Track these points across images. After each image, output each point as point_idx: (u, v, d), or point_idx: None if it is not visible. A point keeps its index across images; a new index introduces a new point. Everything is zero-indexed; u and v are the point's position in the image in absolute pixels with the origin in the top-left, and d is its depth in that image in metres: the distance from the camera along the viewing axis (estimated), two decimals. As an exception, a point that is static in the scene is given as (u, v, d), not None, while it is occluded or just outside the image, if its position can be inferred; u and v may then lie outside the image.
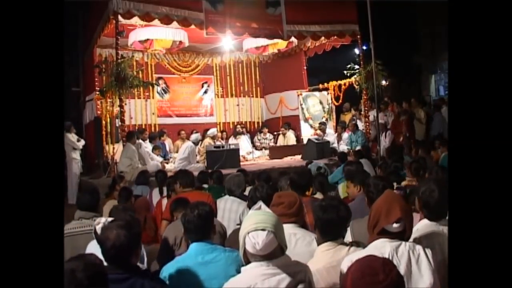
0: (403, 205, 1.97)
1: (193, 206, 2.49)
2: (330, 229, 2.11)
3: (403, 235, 1.97)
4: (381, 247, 1.91)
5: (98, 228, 2.47)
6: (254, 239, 1.74)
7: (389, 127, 9.84)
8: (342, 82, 10.28)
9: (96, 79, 8.43)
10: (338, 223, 2.12)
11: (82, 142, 8.09)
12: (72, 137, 7.93)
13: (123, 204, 3.14)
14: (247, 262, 1.82)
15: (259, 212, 1.94)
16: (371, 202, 2.63)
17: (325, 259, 2.02)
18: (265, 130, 11.20)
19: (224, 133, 10.84)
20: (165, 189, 5.49)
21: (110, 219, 2.51)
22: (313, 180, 3.94)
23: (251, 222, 1.80)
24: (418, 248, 1.95)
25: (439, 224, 2.27)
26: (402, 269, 1.86)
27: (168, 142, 10.10)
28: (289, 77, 11.38)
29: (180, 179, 4.25)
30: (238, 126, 11.14)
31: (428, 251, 1.95)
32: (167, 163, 8.58)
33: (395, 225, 1.93)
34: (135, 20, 7.82)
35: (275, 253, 1.78)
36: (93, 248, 2.64)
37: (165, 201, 4.53)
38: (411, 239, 2.07)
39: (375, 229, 1.97)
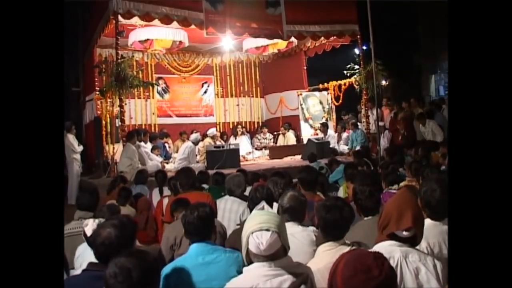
0: (415, 212, 1.91)
1: (193, 207, 2.48)
2: (332, 229, 2.10)
3: (413, 240, 1.94)
4: (390, 251, 1.87)
5: (87, 230, 2.49)
6: (258, 239, 1.73)
7: (387, 126, 9.84)
8: (342, 82, 10.27)
9: (96, 79, 8.43)
10: (341, 224, 2.11)
11: (81, 148, 8.10)
12: (72, 138, 7.92)
13: (107, 205, 3.15)
14: (249, 262, 1.81)
15: (263, 212, 1.93)
16: (361, 209, 2.63)
17: (326, 259, 2.01)
18: (265, 130, 11.19)
19: (225, 135, 10.82)
20: (165, 189, 5.50)
21: (98, 220, 2.54)
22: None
23: (255, 222, 1.79)
24: (429, 259, 1.92)
25: (442, 224, 2.27)
26: (409, 277, 1.83)
27: (168, 142, 10.10)
28: (289, 77, 11.37)
29: (181, 179, 4.23)
30: (239, 126, 11.14)
31: (438, 263, 1.91)
32: (167, 163, 8.58)
33: (405, 232, 1.90)
34: (135, 20, 7.82)
35: (278, 253, 1.77)
36: (84, 250, 2.66)
37: (165, 201, 4.52)
38: None
39: (385, 231, 1.94)
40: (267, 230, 1.74)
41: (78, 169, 7.97)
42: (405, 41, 16.77)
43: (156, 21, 7.77)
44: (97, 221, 2.57)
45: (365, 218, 2.60)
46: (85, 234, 2.55)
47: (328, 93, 10.91)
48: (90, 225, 2.53)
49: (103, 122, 7.97)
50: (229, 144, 9.10)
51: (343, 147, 9.74)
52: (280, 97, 11.74)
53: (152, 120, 10.97)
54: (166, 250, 2.96)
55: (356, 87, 9.68)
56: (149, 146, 8.68)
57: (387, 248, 1.88)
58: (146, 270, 1.45)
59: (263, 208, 2.04)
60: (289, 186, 3.72)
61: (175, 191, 4.62)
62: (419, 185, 3.82)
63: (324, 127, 10.23)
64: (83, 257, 2.64)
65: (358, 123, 9.97)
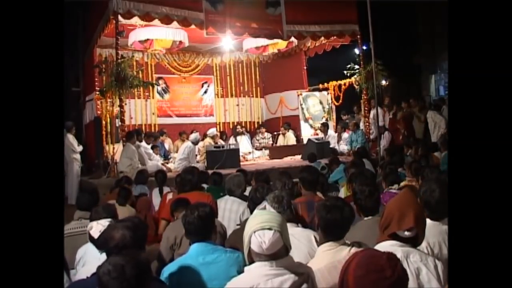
0: (417, 212, 1.90)
1: (193, 207, 2.49)
2: (333, 229, 2.10)
3: (415, 240, 1.94)
4: (391, 251, 1.87)
5: (93, 232, 2.49)
6: (261, 238, 1.73)
7: (387, 126, 9.84)
8: (342, 82, 10.27)
9: (96, 79, 8.42)
10: (342, 224, 2.11)
11: (81, 148, 8.11)
12: (72, 138, 7.92)
13: (102, 205, 3.16)
14: (251, 261, 1.81)
15: (265, 212, 1.94)
16: (360, 209, 2.62)
17: (326, 258, 2.02)
18: (263, 129, 11.20)
19: (224, 135, 10.82)
20: (165, 188, 5.51)
21: (103, 221, 2.54)
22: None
23: (257, 221, 1.79)
24: (430, 259, 1.92)
25: (442, 224, 2.27)
26: (410, 277, 1.82)
27: (168, 142, 10.11)
28: (289, 77, 11.37)
29: (184, 180, 4.22)
30: (238, 126, 11.14)
31: (439, 264, 1.91)
32: (167, 163, 8.58)
33: (406, 232, 1.89)
34: (135, 20, 7.82)
35: (279, 253, 1.77)
36: (84, 252, 2.66)
37: (170, 197, 4.52)
38: None
39: (386, 231, 1.94)
40: (269, 229, 1.75)
41: (78, 169, 7.97)
42: (405, 41, 16.76)
43: (156, 21, 7.76)
44: (102, 222, 2.57)
45: (365, 218, 2.60)
46: (91, 237, 2.55)
47: (328, 93, 10.91)
48: (95, 228, 2.53)
49: (103, 122, 7.97)
50: (229, 144, 9.10)
51: (343, 147, 9.74)
52: (280, 97, 11.74)
53: (152, 120, 10.98)
54: (166, 250, 2.96)
55: (356, 87, 9.68)
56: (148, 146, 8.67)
57: (388, 248, 1.87)
58: (139, 267, 1.47)
59: (264, 208, 2.05)
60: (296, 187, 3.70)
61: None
62: (419, 185, 3.82)
63: (325, 127, 10.24)
64: (84, 259, 2.64)
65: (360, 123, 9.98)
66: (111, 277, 1.43)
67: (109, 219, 2.62)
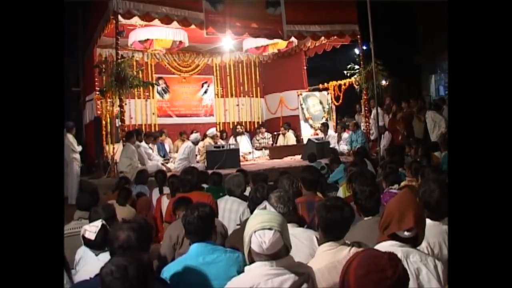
0: (417, 212, 1.90)
1: (193, 207, 2.49)
2: (333, 229, 2.10)
3: (415, 240, 1.93)
4: (391, 251, 1.87)
5: (88, 235, 2.50)
6: (261, 237, 1.74)
7: (387, 126, 9.84)
8: (342, 82, 10.27)
9: (96, 79, 8.43)
10: (342, 224, 2.11)
11: (81, 148, 8.11)
12: (72, 139, 7.93)
13: (102, 205, 3.15)
14: (251, 261, 1.81)
15: (265, 212, 1.94)
16: (361, 209, 2.62)
17: (326, 258, 2.02)
18: (262, 129, 11.19)
19: (224, 133, 10.82)
20: (165, 188, 5.51)
21: (96, 222, 2.54)
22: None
23: (257, 221, 1.79)
24: (430, 259, 1.92)
25: (442, 224, 2.27)
26: (410, 277, 1.83)
27: (168, 142, 10.11)
28: (289, 77, 11.37)
29: (184, 180, 4.22)
30: (238, 126, 11.13)
31: (439, 264, 1.91)
32: (167, 163, 8.58)
33: (406, 233, 1.89)
34: (135, 20, 7.82)
35: (280, 253, 1.77)
36: (84, 253, 2.67)
37: (164, 199, 4.52)
38: None
39: (386, 231, 1.94)
40: (270, 229, 1.75)
41: (78, 169, 7.97)
42: (405, 41, 16.77)
43: (156, 21, 7.76)
44: (94, 223, 2.58)
45: (365, 218, 2.60)
46: (87, 239, 2.55)
47: (328, 93, 10.91)
48: (89, 229, 2.54)
49: (103, 122, 7.97)
50: (229, 144, 9.10)
51: (343, 147, 9.74)
52: (280, 97, 11.73)
53: (152, 120, 10.97)
54: (169, 249, 2.96)
55: (356, 87, 9.68)
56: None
57: (388, 248, 1.86)
58: (141, 268, 1.47)
59: (265, 208, 2.05)
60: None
61: (173, 190, 4.61)
62: (418, 185, 3.81)
63: (325, 127, 10.24)
64: (84, 259, 2.64)
65: (361, 124, 9.98)
66: (113, 278, 1.43)
67: (101, 219, 2.63)
